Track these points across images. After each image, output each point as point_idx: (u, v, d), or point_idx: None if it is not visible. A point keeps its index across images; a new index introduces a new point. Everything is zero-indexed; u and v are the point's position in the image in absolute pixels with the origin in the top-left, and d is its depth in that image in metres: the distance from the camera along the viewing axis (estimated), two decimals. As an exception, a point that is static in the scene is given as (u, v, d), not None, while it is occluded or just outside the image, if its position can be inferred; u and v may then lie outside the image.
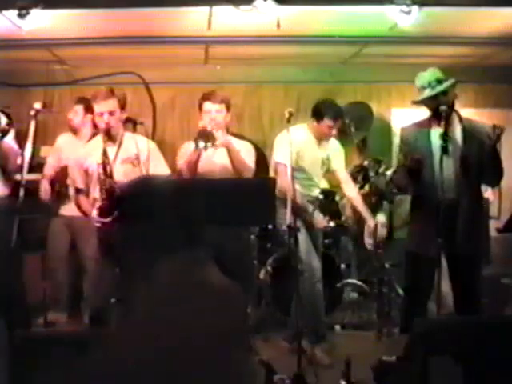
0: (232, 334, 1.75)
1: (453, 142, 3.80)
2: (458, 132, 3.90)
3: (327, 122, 4.42)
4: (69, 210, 4.81)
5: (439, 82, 3.83)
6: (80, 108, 4.95)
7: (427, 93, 3.85)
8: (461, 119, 3.94)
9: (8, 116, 4.06)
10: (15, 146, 4.32)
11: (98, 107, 3.92)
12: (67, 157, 4.43)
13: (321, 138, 4.53)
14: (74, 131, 5.00)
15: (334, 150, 4.64)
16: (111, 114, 3.89)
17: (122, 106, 3.97)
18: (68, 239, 5.04)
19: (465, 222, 3.83)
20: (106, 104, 3.90)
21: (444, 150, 3.68)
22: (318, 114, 4.46)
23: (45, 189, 4.91)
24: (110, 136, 3.86)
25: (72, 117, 4.98)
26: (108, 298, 4.10)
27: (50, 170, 5.02)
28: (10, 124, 4.02)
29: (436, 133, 3.85)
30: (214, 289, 1.80)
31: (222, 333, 1.72)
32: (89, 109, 4.71)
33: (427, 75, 3.87)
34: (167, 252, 1.78)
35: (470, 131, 3.89)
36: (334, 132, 4.49)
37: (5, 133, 4.02)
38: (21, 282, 4.32)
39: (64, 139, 5.11)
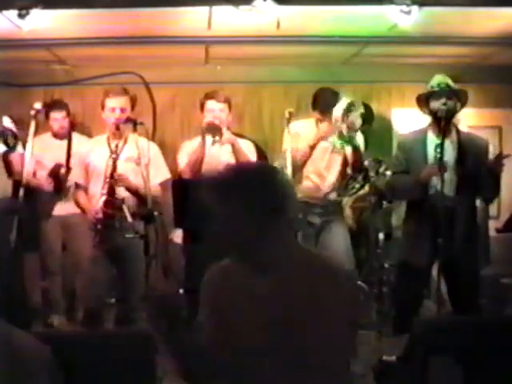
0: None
1: (448, 152, 3.81)
2: (454, 143, 3.91)
3: (316, 113, 4.31)
4: (63, 209, 4.80)
5: (448, 86, 3.88)
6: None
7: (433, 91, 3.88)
8: (458, 131, 3.97)
9: (14, 135, 4.10)
10: (21, 147, 4.33)
11: (110, 102, 3.97)
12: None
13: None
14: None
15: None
16: (122, 110, 3.94)
17: (132, 106, 4.02)
18: (61, 239, 5.04)
19: (458, 230, 3.82)
20: (119, 100, 3.96)
21: (439, 159, 3.72)
22: (313, 101, 4.36)
23: (47, 181, 4.87)
24: (119, 132, 3.91)
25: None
26: (102, 297, 4.11)
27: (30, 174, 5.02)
28: (15, 140, 4.08)
29: (432, 142, 3.88)
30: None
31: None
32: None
33: (440, 78, 3.92)
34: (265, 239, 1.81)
35: (466, 143, 3.91)
36: (325, 128, 4.23)
37: (12, 147, 4.05)
38: (21, 282, 4.32)
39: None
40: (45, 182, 4.84)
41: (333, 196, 4.45)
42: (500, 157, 3.78)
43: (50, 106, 5.12)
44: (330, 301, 1.75)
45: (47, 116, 5.13)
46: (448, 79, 3.92)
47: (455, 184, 3.85)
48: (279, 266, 1.83)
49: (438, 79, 3.90)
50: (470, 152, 3.88)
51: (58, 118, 5.08)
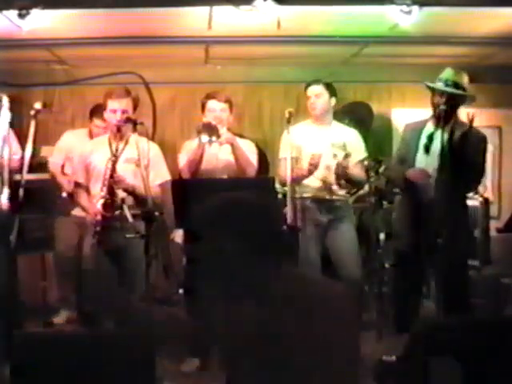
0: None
1: (440, 142, 3.80)
2: (447, 136, 3.91)
3: (306, 93, 4.38)
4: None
5: (456, 85, 3.86)
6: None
7: (438, 86, 3.88)
8: (456, 123, 3.95)
9: None
10: (19, 151, 4.32)
11: (111, 104, 3.97)
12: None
13: (316, 120, 4.43)
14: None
15: (351, 139, 4.46)
16: (124, 112, 3.94)
17: (134, 107, 4.02)
18: (76, 239, 5.04)
19: (443, 224, 3.80)
20: (121, 102, 3.95)
21: (426, 149, 3.73)
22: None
23: (68, 183, 4.89)
24: (120, 134, 3.91)
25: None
26: (103, 297, 4.10)
27: (57, 167, 5.04)
28: None
29: (427, 132, 3.89)
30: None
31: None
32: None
33: (451, 73, 3.90)
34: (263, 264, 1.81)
35: (459, 135, 3.90)
36: (313, 100, 4.37)
37: None
38: (15, 282, 4.31)
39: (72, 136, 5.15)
40: (67, 183, 4.88)
41: (341, 192, 4.43)
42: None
43: (98, 112, 5.14)
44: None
45: (90, 118, 5.15)
46: (460, 76, 3.89)
47: (444, 176, 3.84)
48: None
49: (449, 75, 3.89)
50: (461, 144, 3.87)
51: (99, 127, 5.08)
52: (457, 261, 3.92)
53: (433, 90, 3.95)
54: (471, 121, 3.75)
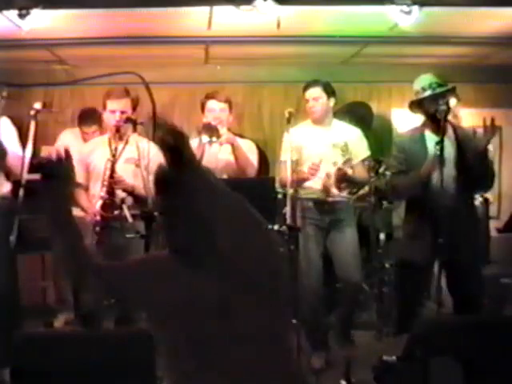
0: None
1: (447, 149, 3.80)
2: (452, 139, 3.90)
3: (305, 96, 4.37)
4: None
5: (439, 85, 3.86)
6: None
7: (428, 93, 3.87)
8: (454, 127, 3.95)
9: None
10: (19, 149, 4.32)
11: (110, 104, 3.97)
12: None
13: (316, 122, 4.40)
14: None
15: (353, 138, 4.41)
16: (123, 113, 3.94)
17: (134, 107, 4.02)
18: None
19: (459, 228, 3.79)
20: (120, 103, 3.95)
21: (439, 157, 3.72)
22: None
23: None
24: (119, 134, 3.91)
25: None
26: (102, 297, 4.10)
27: None
28: None
29: (431, 139, 3.87)
30: None
31: None
32: None
33: (428, 77, 3.89)
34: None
35: (464, 139, 3.90)
36: (312, 103, 4.33)
37: None
38: (15, 282, 4.31)
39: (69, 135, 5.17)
40: None
41: (343, 193, 4.41)
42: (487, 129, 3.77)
43: (83, 119, 5.22)
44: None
45: (79, 126, 5.26)
46: (436, 76, 3.90)
47: (455, 180, 3.84)
48: None
49: (429, 80, 3.88)
50: (468, 148, 3.87)
51: (88, 133, 5.11)
52: (471, 263, 3.92)
53: (420, 103, 3.94)
54: (491, 125, 3.74)
